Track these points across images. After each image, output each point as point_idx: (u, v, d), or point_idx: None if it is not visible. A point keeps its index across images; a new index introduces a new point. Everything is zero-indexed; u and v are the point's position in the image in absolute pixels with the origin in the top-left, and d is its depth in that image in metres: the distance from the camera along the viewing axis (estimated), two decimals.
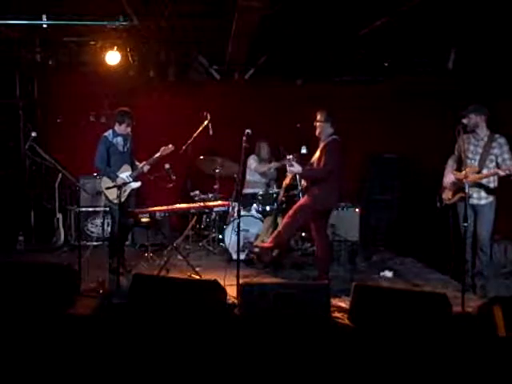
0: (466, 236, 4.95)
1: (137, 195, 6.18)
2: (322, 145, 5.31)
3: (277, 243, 5.39)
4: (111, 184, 5.64)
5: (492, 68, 6.71)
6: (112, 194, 5.67)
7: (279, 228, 5.47)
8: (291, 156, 5.21)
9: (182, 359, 3.49)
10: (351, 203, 6.79)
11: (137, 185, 5.92)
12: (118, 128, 5.86)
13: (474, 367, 3.41)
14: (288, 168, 5.30)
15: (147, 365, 3.39)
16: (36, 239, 6.92)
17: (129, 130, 5.88)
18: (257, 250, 5.51)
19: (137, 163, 5.99)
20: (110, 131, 5.89)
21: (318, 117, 5.35)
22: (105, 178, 5.80)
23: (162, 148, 5.87)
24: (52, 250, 6.74)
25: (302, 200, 5.36)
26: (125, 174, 5.84)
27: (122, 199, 5.73)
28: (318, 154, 5.31)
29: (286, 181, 5.83)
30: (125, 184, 5.68)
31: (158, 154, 5.86)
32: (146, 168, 5.91)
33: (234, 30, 5.49)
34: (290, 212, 5.37)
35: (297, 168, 5.19)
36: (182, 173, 6.58)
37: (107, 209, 6.17)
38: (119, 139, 5.88)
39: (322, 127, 5.31)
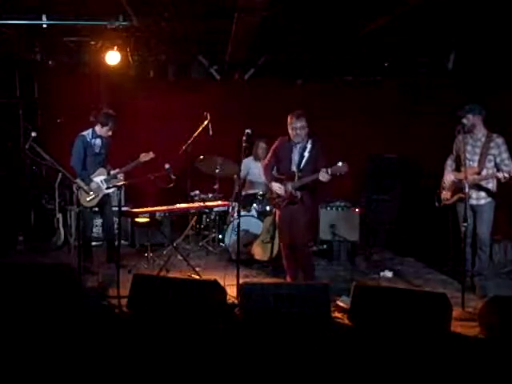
0: (466, 236, 4.95)
1: (125, 192, 6.13)
2: (308, 147, 4.96)
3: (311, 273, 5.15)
4: (85, 187, 5.55)
5: (491, 67, 6.72)
6: (83, 198, 5.61)
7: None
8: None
9: (183, 359, 3.49)
10: (351, 203, 6.78)
11: (109, 191, 5.83)
12: (100, 129, 5.78)
13: (472, 367, 3.42)
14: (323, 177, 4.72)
15: (147, 364, 3.39)
16: (36, 239, 6.91)
17: (110, 133, 5.80)
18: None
19: (108, 167, 5.91)
20: (90, 131, 5.80)
21: (302, 123, 4.93)
22: (79, 180, 5.59)
23: (142, 155, 5.78)
24: (52, 250, 6.74)
25: (298, 215, 4.93)
26: (99, 178, 5.77)
27: (94, 203, 5.74)
28: (305, 157, 4.95)
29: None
30: (98, 189, 5.70)
31: (134, 162, 5.79)
32: (121, 176, 5.86)
33: (234, 30, 5.50)
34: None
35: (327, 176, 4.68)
36: (182, 173, 6.58)
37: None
38: (97, 141, 5.81)
39: (306, 131, 4.97)
